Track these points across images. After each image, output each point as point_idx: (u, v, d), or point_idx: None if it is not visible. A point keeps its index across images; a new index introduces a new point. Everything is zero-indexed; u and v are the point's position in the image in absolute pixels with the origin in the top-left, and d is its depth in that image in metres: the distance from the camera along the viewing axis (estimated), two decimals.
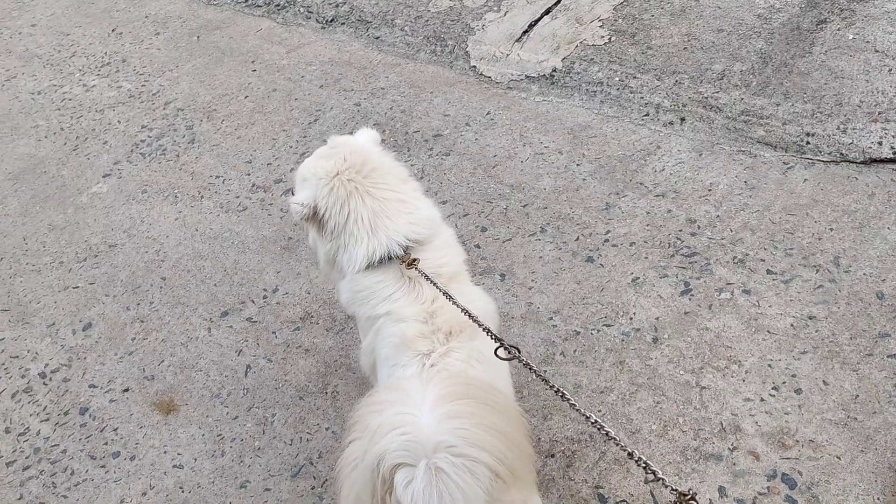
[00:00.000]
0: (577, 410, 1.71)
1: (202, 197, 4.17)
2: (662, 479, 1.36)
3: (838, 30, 4.04)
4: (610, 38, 4.45)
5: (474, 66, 4.66)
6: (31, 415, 3.21)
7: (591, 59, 4.40)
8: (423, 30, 5.05)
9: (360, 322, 2.25)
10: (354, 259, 2.19)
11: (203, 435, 3.02)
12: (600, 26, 4.54)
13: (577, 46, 4.46)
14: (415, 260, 2.13)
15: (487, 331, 1.93)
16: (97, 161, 4.58)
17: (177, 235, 3.96)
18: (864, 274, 3.06)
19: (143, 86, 5.21)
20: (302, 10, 5.63)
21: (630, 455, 1.58)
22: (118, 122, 4.89)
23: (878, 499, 2.41)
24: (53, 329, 3.56)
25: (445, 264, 2.19)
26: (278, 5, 5.75)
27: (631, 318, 3.08)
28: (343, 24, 5.39)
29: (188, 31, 5.77)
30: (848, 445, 2.55)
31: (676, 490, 1.35)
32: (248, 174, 4.26)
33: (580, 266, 3.33)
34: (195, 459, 2.94)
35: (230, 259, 3.76)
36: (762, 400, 2.72)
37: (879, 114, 3.57)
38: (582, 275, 3.28)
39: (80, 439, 3.08)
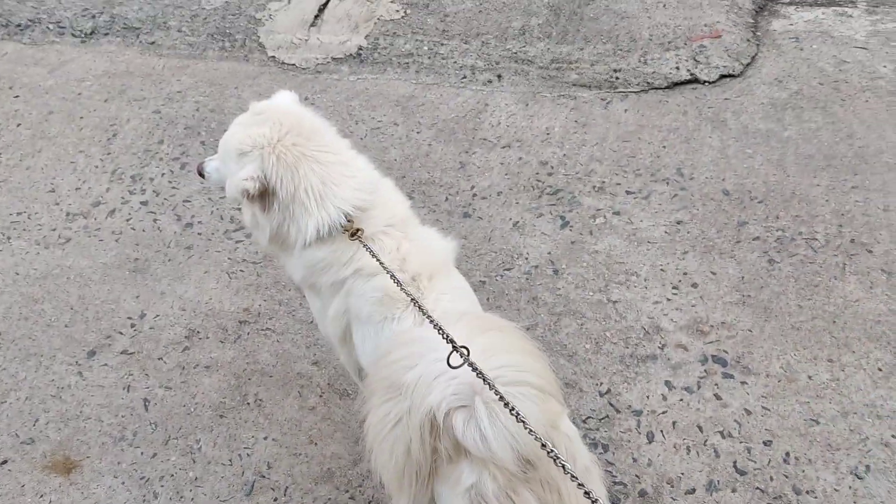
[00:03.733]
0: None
1: (8, 238, 3.61)
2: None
3: None
4: (405, 12, 4.54)
5: (273, 56, 4.51)
6: None
7: (394, 33, 4.46)
8: (203, 28, 4.77)
9: (323, 290, 2.11)
10: (304, 231, 2.05)
11: (123, 483, 2.65)
12: (391, 2, 4.61)
13: (375, 23, 4.50)
14: (358, 230, 2.05)
15: (440, 330, 1.71)
16: None
17: None
18: (706, 178, 3.46)
19: None
20: (51, 26, 5.04)
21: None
22: None
23: (793, 355, 2.76)
24: None
25: (394, 215, 2.13)
26: (19, 25, 5.09)
27: (526, 259, 3.21)
28: (107, 34, 4.92)
29: None
30: (753, 319, 2.89)
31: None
32: (57, 203, 3.76)
33: (460, 223, 3.39)
34: None
35: (73, 296, 3.31)
36: (668, 300, 2.98)
37: (669, 43, 4.04)
38: (465, 230, 3.35)
39: None
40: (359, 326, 2.06)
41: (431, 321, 1.71)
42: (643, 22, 4.20)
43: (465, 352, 1.57)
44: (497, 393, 1.46)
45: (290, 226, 2.07)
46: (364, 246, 1.97)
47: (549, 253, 3.22)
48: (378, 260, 1.93)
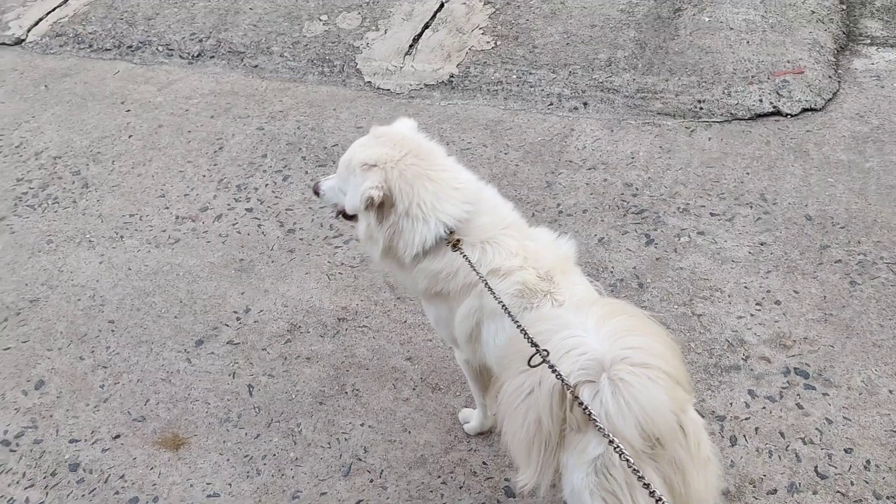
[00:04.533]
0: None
1: (121, 237, 3.90)
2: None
3: (694, 15, 4.65)
4: (496, 43, 4.77)
5: (369, 82, 4.78)
6: (9, 485, 2.84)
7: (485, 62, 4.69)
8: (304, 54, 5.08)
9: (452, 294, 2.27)
10: (412, 244, 2.23)
11: (228, 460, 2.84)
12: (482, 34, 4.85)
13: (467, 53, 4.74)
14: (459, 240, 2.21)
15: (524, 333, 1.90)
16: None
17: (108, 278, 3.67)
18: (789, 203, 3.55)
19: None
20: (160, 48, 5.43)
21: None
22: None
23: (875, 370, 2.83)
24: None
25: (504, 219, 2.30)
26: (130, 47, 5.50)
27: (612, 272, 3.34)
28: (212, 57, 5.27)
29: (31, 81, 5.34)
30: (835, 335, 2.96)
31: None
32: (167, 207, 4.05)
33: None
34: (230, 485, 2.76)
35: (182, 290, 3.56)
36: (752, 315, 3.08)
37: (753, 77, 4.17)
38: None
39: (83, 496, 2.78)
40: (492, 322, 2.21)
41: (515, 322, 1.87)
42: (727, 57, 4.34)
43: (545, 353, 1.70)
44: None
45: (400, 239, 2.26)
46: (462, 255, 2.14)
47: (635, 268, 3.34)
48: (472, 265, 2.11)
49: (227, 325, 3.37)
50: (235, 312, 3.42)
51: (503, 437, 1.89)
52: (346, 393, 3.02)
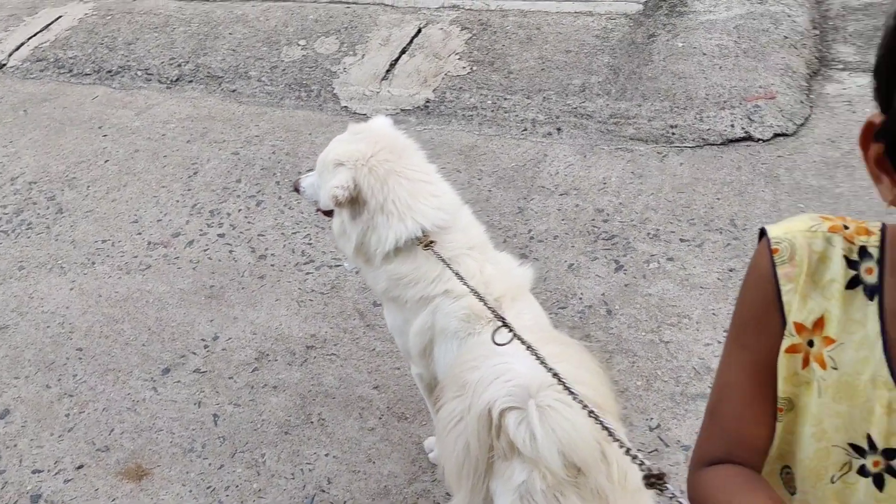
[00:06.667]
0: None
1: (93, 263, 3.89)
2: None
3: (668, 40, 4.69)
4: (472, 68, 4.80)
5: (346, 107, 4.80)
6: None
7: (460, 87, 4.71)
8: (282, 79, 5.10)
9: (409, 304, 2.28)
10: (384, 241, 2.23)
11: (190, 491, 2.82)
12: (459, 59, 4.88)
13: (443, 78, 4.76)
14: (431, 241, 2.22)
15: (501, 319, 1.92)
16: None
17: (79, 305, 3.65)
18: (759, 228, 3.56)
19: None
20: (139, 73, 5.44)
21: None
22: None
23: None
24: None
25: (472, 239, 2.31)
26: (110, 72, 5.51)
27: (580, 299, 3.34)
28: (191, 81, 5.29)
29: (10, 106, 5.35)
30: None
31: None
32: (140, 234, 4.04)
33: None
34: None
35: (150, 318, 3.54)
36: (719, 342, 3.07)
37: (725, 102, 4.20)
38: None
39: None
40: (443, 342, 2.21)
41: (484, 303, 1.87)
42: (700, 82, 4.37)
43: (508, 332, 1.71)
44: (559, 380, 1.56)
45: (373, 235, 2.26)
46: (436, 255, 2.14)
47: (603, 294, 3.34)
48: (451, 268, 2.10)
49: (195, 353, 3.35)
50: (203, 340, 3.41)
51: (439, 463, 1.89)
52: (312, 422, 3.01)
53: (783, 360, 1.03)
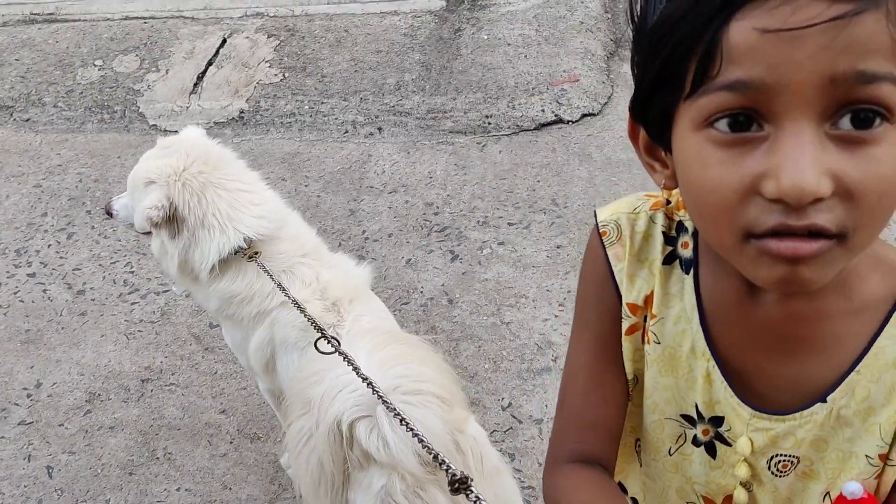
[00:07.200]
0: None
1: None
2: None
3: (473, 34, 4.82)
4: (284, 75, 4.71)
5: (155, 125, 4.57)
6: None
7: (275, 95, 4.61)
8: (80, 102, 4.78)
9: (245, 321, 2.20)
10: (207, 255, 2.14)
11: None
12: (269, 66, 4.77)
13: (255, 87, 4.64)
14: (256, 252, 2.17)
15: (312, 322, 1.89)
16: None
17: None
18: (579, 205, 3.74)
19: None
20: None
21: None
22: None
23: None
24: None
25: (304, 245, 2.27)
26: None
27: (422, 292, 3.37)
28: None
29: None
30: None
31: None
32: None
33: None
34: None
35: None
36: (556, 316, 3.20)
37: (533, 88, 4.37)
38: None
39: None
40: (284, 354, 2.15)
41: (305, 315, 1.83)
42: (508, 72, 4.53)
43: (335, 342, 1.69)
44: (375, 391, 1.54)
45: (196, 252, 2.16)
46: (260, 266, 2.08)
47: (443, 285, 3.39)
48: (273, 279, 2.04)
49: (17, 405, 3.07)
50: (25, 389, 3.13)
51: (294, 482, 1.84)
52: (158, 458, 2.84)
53: (626, 342, 1.04)
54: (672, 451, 1.06)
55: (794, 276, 0.73)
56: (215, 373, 3.13)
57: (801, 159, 0.67)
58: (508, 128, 4.26)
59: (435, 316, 3.24)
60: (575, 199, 3.78)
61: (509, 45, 4.71)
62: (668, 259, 1.00)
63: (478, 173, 4.00)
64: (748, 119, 0.71)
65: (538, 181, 3.91)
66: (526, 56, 4.62)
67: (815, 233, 0.70)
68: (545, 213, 3.72)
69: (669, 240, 1.00)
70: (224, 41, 5.06)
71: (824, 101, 0.67)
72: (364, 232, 3.71)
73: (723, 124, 0.72)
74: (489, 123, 4.28)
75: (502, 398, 2.91)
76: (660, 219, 1.01)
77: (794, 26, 0.64)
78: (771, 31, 0.65)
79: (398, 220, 3.76)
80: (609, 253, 1.03)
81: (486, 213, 3.74)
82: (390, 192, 3.94)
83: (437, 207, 3.81)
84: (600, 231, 1.04)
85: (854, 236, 0.72)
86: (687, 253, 0.98)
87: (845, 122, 0.68)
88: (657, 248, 1.01)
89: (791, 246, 0.71)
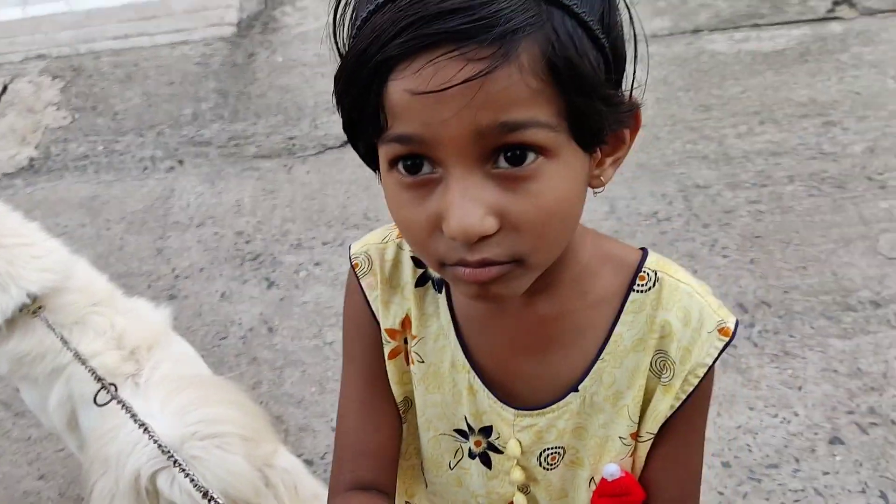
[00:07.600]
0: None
1: None
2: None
3: (268, 57, 4.82)
4: (73, 117, 4.51)
5: None
6: None
7: (65, 139, 4.40)
8: None
9: (40, 380, 2.11)
10: None
11: None
12: (57, 109, 4.56)
13: (43, 132, 4.42)
14: (39, 307, 2.11)
15: (93, 373, 1.92)
16: None
17: None
18: (388, 216, 3.84)
19: None
20: None
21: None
22: None
23: None
24: None
25: (95, 294, 2.21)
26: None
27: (240, 324, 3.35)
28: None
29: None
30: None
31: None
32: None
33: (167, 305, 3.41)
34: None
35: None
36: None
37: (334, 106, 4.43)
38: (174, 311, 3.38)
39: None
40: (84, 410, 2.08)
41: (86, 366, 1.81)
42: (307, 92, 4.57)
43: (112, 388, 1.68)
44: (152, 438, 1.55)
45: None
46: (45, 321, 2.01)
47: (261, 314, 3.38)
48: (56, 332, 1.98)
49: None
50: None
51: None
52: None
53: (390, 367, 1.08)
54: (452, 466, 1.13)
55: (487, 293, 0.83)
56: (28, 438, 2.98)
57: (465, 203, 0.76)
58: (314, 147, 4.30)
59: (256, 346, 3.23)
60: (385, 212, 3.85)
61: (305, 65, 4.75)
62: (421, 281, 1.06)
63: (287, 196, 4.01)
64: (422, 162, 0.79)
65: (348, 197, 3.98)
66: (323, 75, 4.67)
67: (489, 263, 0.79)
68: (358, 228, 3.79)
69: (419, 263, 1.06)
70: (5, 87, 4.78)
71: (477, 149, 0.75)
72: (174, 270, 3.63)
73: (401, 167, 0.80)
74: (294, 145, 4.30)
75: (331, 419, 2.95)
76: (407, 245, 1.07)
77: (434, 88, 0.71)
78: (419, 94, 0.73)
79: (208, 252, 3.71)
80: (363, 283, 1.08)
81: (300, 236, 3.76)
82: (198, 226, 3.87)
83: (249, 235, 3.79)
84: (353, 264, 1.10)
85: (530, 259, 0.81)
86: (437, 274, 1.03)
87: (502, 161, 0.76)
88: (408, 273, 1.07)
89: (472, 273, 0.80)
